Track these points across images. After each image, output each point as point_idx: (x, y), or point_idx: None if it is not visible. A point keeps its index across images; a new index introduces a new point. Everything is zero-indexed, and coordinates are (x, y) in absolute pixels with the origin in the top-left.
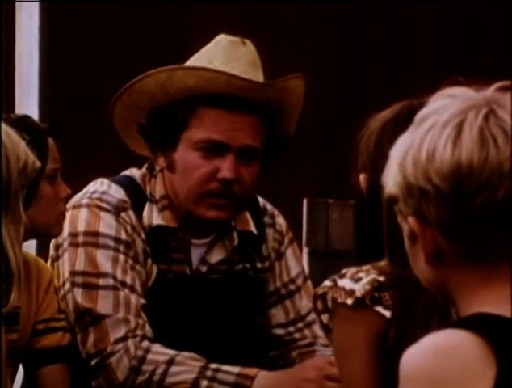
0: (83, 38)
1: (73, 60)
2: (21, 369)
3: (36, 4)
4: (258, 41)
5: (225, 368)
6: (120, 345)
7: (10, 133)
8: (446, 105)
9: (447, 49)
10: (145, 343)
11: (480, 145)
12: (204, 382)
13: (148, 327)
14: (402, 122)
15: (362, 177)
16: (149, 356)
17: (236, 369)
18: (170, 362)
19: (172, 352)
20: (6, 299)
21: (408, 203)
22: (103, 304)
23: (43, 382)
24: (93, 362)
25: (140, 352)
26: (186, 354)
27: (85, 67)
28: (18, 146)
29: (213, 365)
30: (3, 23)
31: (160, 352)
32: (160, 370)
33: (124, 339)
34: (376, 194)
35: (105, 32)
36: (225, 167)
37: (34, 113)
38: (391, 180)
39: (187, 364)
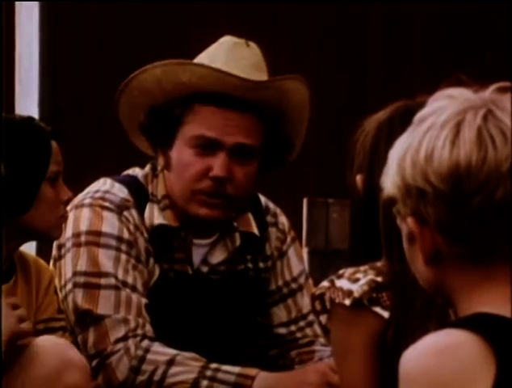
0: (83, 38)
1: (73, 60)
2: None
3: (36, 4)
4: (258, 41)
5: (225, 368)
6: (121, 345)
7: None
8: (445, 106)
9: (447, 49)
10: (145, 343)
11: (479, 146)
12: (204, 382)
13: (148, 327)
14: (397, 123)
15: (358, 178)
16: (149, 356)
17: (236, 369)
18: (170, 362)
19: (172, 351)
20: None
21: (406, 203)
22: (104, 304)
23: None
24: (93, 363)
25: (140, 352)
26: (186, 354)
27: (85, 67)
28: None
29: (213, 365)
30: (3, 23)
31: (160, 352)
32: (160, 370)
33: (124, 338)
34: (373, 194)
35: (105, 32)
36: (217, 165)
37: (34, 113)
38: (389, 181)
39: (187, 365)
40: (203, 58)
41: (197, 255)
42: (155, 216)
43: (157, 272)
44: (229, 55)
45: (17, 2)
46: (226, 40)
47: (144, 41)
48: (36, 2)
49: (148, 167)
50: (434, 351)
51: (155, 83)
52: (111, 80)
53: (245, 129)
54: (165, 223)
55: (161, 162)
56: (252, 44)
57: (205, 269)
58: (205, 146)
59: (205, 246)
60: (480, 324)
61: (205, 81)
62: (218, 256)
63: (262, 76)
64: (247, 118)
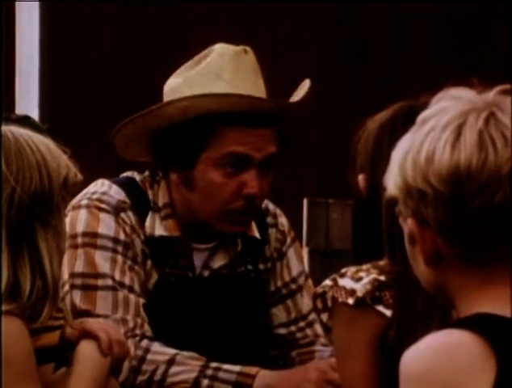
0: (83, 38)
1: (73, 60)
2: None
3: (36, 4)
4: (258, 41)
5: (226, 366)
6: None
7: (50, 147)
8: (447, 107)
9: (447, 49)
10: (145, 343)
11: (479, 149)
12: (205, 381)
13: (147, 326)
14: (400, 123)
15: (360, 177)
16: (149, 356)
17: (236, 368)
18: (171, 362)
19: (172, 351)
20: (38, 313)
21: (407, 204)
22: (102, 304)
23: (40, 381)
24: None
25: (139, 352)
26: (186, 354)
27: (85, 67)
28: (59, 160)
29: (214, 364)
30: (3, 23)
31: (160, 352)
32: (160, 370)
33: None
34: (375, 194)
35: (105, 32)
36: (250, 183)
37: (34, 113)
38: (391, 181)
39: (188, 364)
40: (207, 73)
41: (198, 260)
42: (156, 226)
43: (154, 274)
44: (234, 66)
45: (17, 2)
46: (225, 50)
47: (144, 41)
48: (36, 2)
49: (147, 173)
50: (434, 351)
51: (180, 111)
52: (111, 80)
53: (270, 141)
54: (166, 234)
55: (173, 178)
56: (248, 49)
57: (206, 273)
58: (236, 163)
59: (206, 250)
60: (480, 324)
61: (235, 107)
62: (219, 261)
63: (261, 80)
64: (269, 130)
